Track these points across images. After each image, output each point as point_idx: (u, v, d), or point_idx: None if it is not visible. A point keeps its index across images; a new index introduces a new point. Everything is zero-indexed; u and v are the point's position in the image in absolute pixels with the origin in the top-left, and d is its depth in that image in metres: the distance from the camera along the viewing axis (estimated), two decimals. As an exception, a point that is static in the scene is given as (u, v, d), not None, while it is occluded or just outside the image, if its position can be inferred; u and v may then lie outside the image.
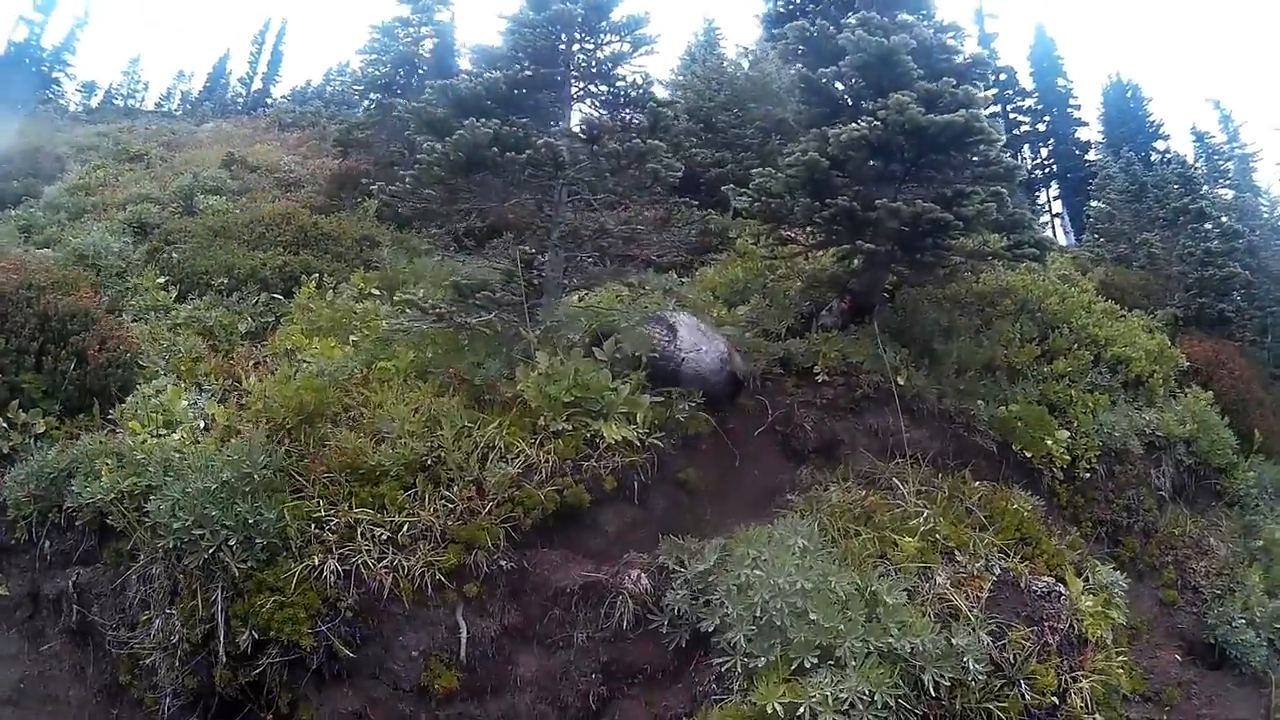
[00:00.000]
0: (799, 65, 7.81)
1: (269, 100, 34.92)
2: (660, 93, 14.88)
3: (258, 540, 5.23)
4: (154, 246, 11.57)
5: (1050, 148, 29.78)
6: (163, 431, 6.46)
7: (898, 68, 6.96)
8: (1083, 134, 29.66)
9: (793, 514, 6.02)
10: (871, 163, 7.22)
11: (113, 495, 5.68)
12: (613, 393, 6.19)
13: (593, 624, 5.46)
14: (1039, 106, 29.75)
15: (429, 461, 5.69)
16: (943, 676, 4.79)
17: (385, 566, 5.21)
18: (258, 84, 37.92)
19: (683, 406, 6.57)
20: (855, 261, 8.19)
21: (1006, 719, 4.95)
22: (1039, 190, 29.64)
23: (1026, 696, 5.09)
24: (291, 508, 5.39)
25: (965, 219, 6.88)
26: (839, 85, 7.58)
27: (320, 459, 5.72)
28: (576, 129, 7.45)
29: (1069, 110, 29.60)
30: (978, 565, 5.69)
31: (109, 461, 5.96)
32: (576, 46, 7.49)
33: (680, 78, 17.34)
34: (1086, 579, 6.21)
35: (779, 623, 4.83)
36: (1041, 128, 29.69)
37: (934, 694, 4.77)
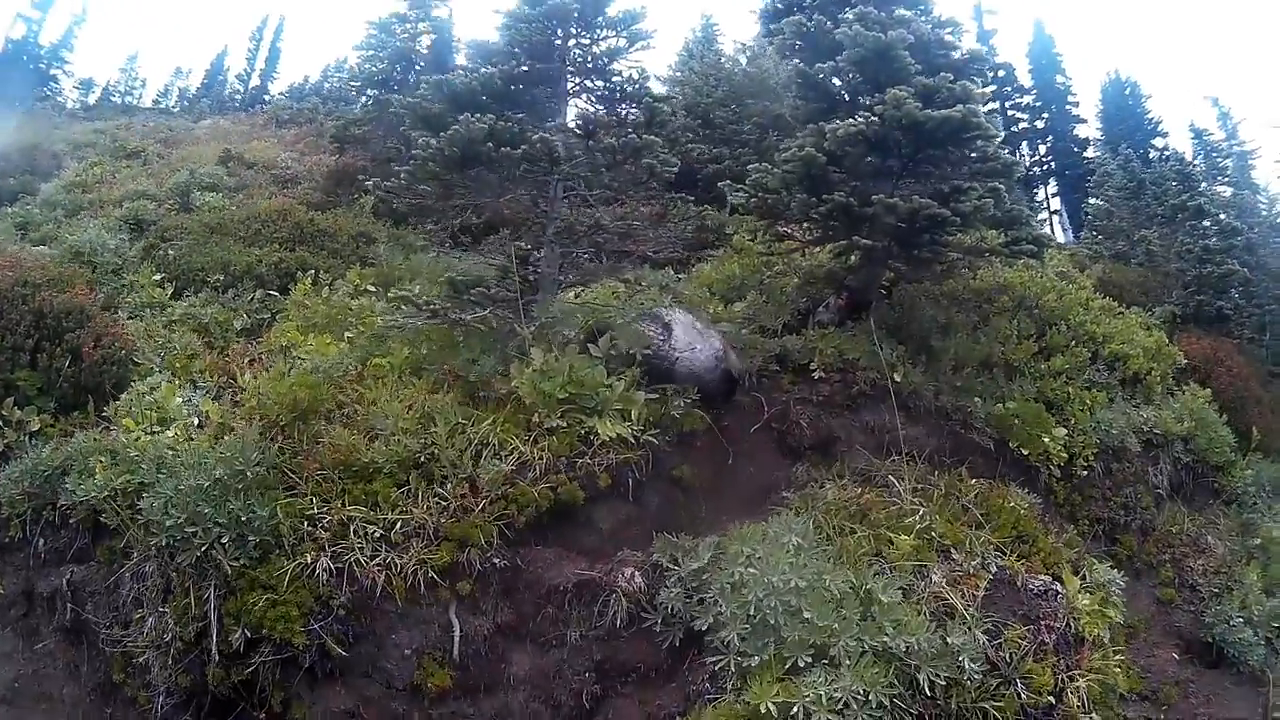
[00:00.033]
0: (796, 61, 7.77)
1: (267, 97, 34.86)
2: (658, 89, 14.93)
3: (250, 538, 5.20)
4: (150, 243, 11.55)
5: (1049, 145, 29.75)
6: (156, 429, 6.46)
7: (895, 63, 6.92)
8: (1081, 131, 29.67)
9: (788, 511, 5.98)
10: (869, 158, 7.19)
11: (106, 493, 5.67)
12: (607, 389, 6.16)
13: (586, 622, 5.43)
14: (1037, 103, 29.70)
15: (422, 458, 5.65)
16: (938, 676, 4.75)
17: (378, 564, 5.17)
18: (255, 81, 37.89)
19: (678, 403, 6.54)
20: (852, 258, 8.16)
21: (1002, 718, 4.91)
22: (1037, 187, 29.61)
23: (1023, 696, 5.05)
24: (284, 505, 5.36)
25: (962, 215, 6.85)
26: (836, 80, 7.55)
27: (313, 456, 5.68)
28: (572, 124, 7.41)
29: (1067, 107, 29.57)
30: (974, 563, 5.65)
31: (103, 459, 5.94)
32: (573, 41, 7.46)
33: (678, 74, 17.34)
34: (1084, 577, 6.16)
35: (773, 621, 4.80)
36: (1040, 125, 29.66)
37: (929, 693, 4.73)
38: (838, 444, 7.12)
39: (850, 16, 7.20)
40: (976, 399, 7.70)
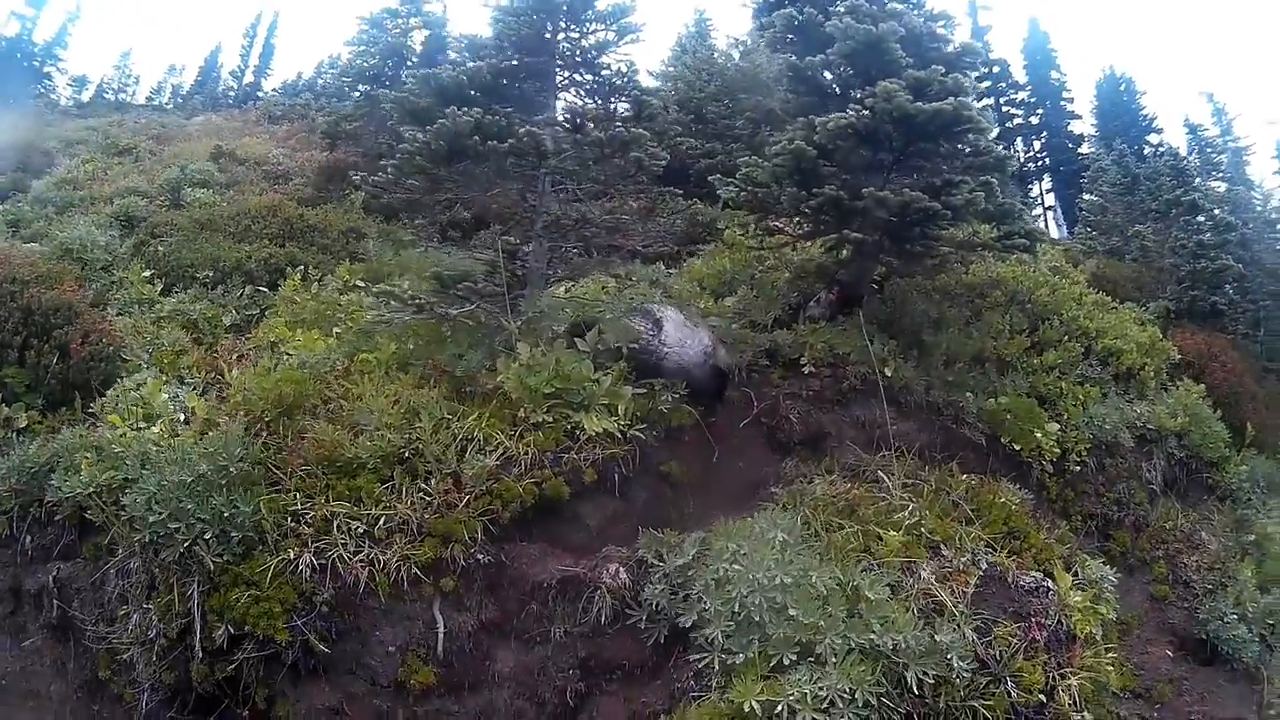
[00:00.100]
0: (787, 54, 7.71)
1: (260, 94, 34.74)
2: (650, 83, 14.88)
3: (233, 534, 5.18)
4: (140, 240, 11.53)
5: (1043, 141, 29.70)
6: (142, 425, 6.45)
7: (886, 55, 6.87)
8: (1076, 127, 29.55)
9: (775, 507, 5.93)
10: (860, 152, 7.14)
11: (91, 489, 5.65)
12: (594, 384, 6.12)
13: (571, 619, 5.40)
14: (1032, 99, 29.62)
15: (407, 454, 5.61)
16: (926, 674, 4.70)
17: (361, 560, 5.15)
18: (249, 77, 37.72)
19: (665, 398, 6.48)
20: (843, 252, 8.11)
21: (992, 717, 4.85)
22: (1032, 183, 29.55)
23: (1013, 694, 4.99)
24: (268, 501, 5.33)
25: (954, 208, 6.80)
26: (827, 74, 7.50)
27: (298, 452, 5.66)
28: (560, 118, 7.36)
29: (1062, 103, 29.50)
30: (964, 560, 5.57)
31: (88, 455, 5.92)
32: (561, 35, 7.40)
33: (671, 68, 17.24)
34: (1076, 574, 6.09)
35: (757, 618, 4.75)
36: (1035, 121, 29.58)
37: (917, 692, 4.67)
38: (828, 439, 7.06)
39: (841, 9, 7.13)
40: (968, 394, 7.65)
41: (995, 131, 25.05)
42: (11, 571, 6.37)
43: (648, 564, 5.54)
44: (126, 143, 19.12)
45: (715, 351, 7.12)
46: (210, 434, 5.81)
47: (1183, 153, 20.56)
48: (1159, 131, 27.13)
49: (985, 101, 26.77)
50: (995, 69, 27.93)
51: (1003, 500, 6.47)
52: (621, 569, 5.50)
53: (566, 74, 7.65)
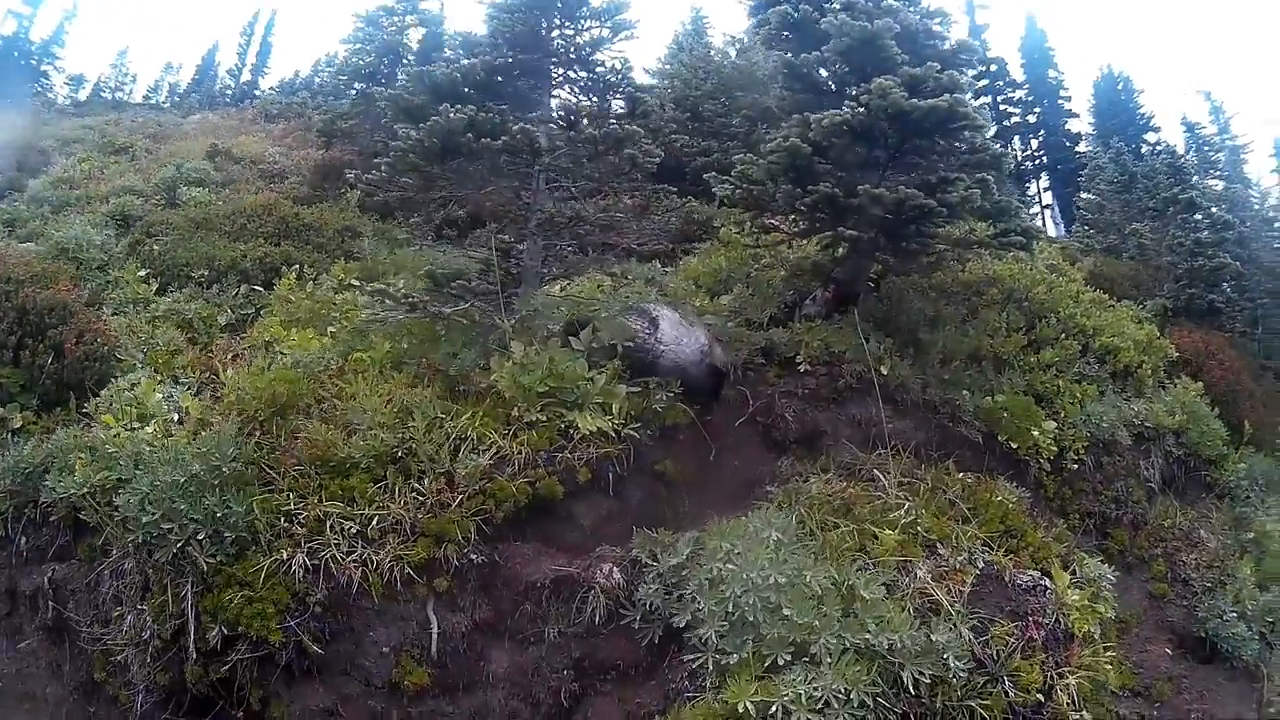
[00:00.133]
0: (783, 51, 7.67)
1: (257, 92, 34.69)
2: (646, 80, 14.86)
3: (226, 534, 5.15)
4: (136, 239, 11.49)
5: (1041, 139, 29.66)
6: (136, 425, 6.43)
7: (881, 52, 6.85)
8: (1073, 126, 29.51)
9: (770, 506, 5.90)
10: (855, 149, 7.11)
11: (85, 490, 5.62)
12: (588, 383, 6.09)
13: (565, 619, 5.36)
14: (1029, 98, 29.58)
15: (400, 453, 5.58)
16: (922, 674, 4.66)
17: (354, 560, 5.11)
18: (246, 76, 37.64)
19: (660, 397, 6.46)
20: (839, 250, 8.08)
21: (990, 717, 4.80)
22: (1029, 181, 29.54)
23: (1010, 694, 4.94)
24: (260, 501, 5.30)
25: (949, 206, 6.78)
26: (823, 71, 7.47)
27: (291, 451, 5.63)
28: (555, 115, 7.33)
29: (1060, 102, 29.46)
30: (960, 558, 5.53)
31: (82, 455, 5.90)
32: (556, 32, 7.38)
33: (667, 66, 17.23)
34: (1073, 572, 6.05)
35: (751, 618, 4.72)
36: (1032, 119, 29.54)
37: (913, 692, 4.63)
38: (823, 438, 7.03)
39: (837, 6, 7.11)
40: (965, 392, 7.62)
41: (993, 130, 25.06)
42: (7, 573, 6.34)
43: (642, 563, 5.51)
44: (123, 141, 19.06)
45: (711, 350, 7.10)
46: (203, 434, 5.78)
47: (1180, 151, 20.52)
48: (1156, 130, 27.12)
49: (983, 100, 26.75)
50: (992, 67, 27.90)
51: (1000, 499, 6.44)
52: (615, 569, 5.47)
53: (561, 71, 7.63)
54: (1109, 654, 5.80)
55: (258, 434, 5.83)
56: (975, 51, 7.81)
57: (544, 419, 5.89)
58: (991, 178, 7.23)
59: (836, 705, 4.36)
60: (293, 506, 5.31)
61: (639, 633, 5.37)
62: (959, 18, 28.69)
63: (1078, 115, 29.58)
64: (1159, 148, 20.23)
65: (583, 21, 7.32)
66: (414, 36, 17.01)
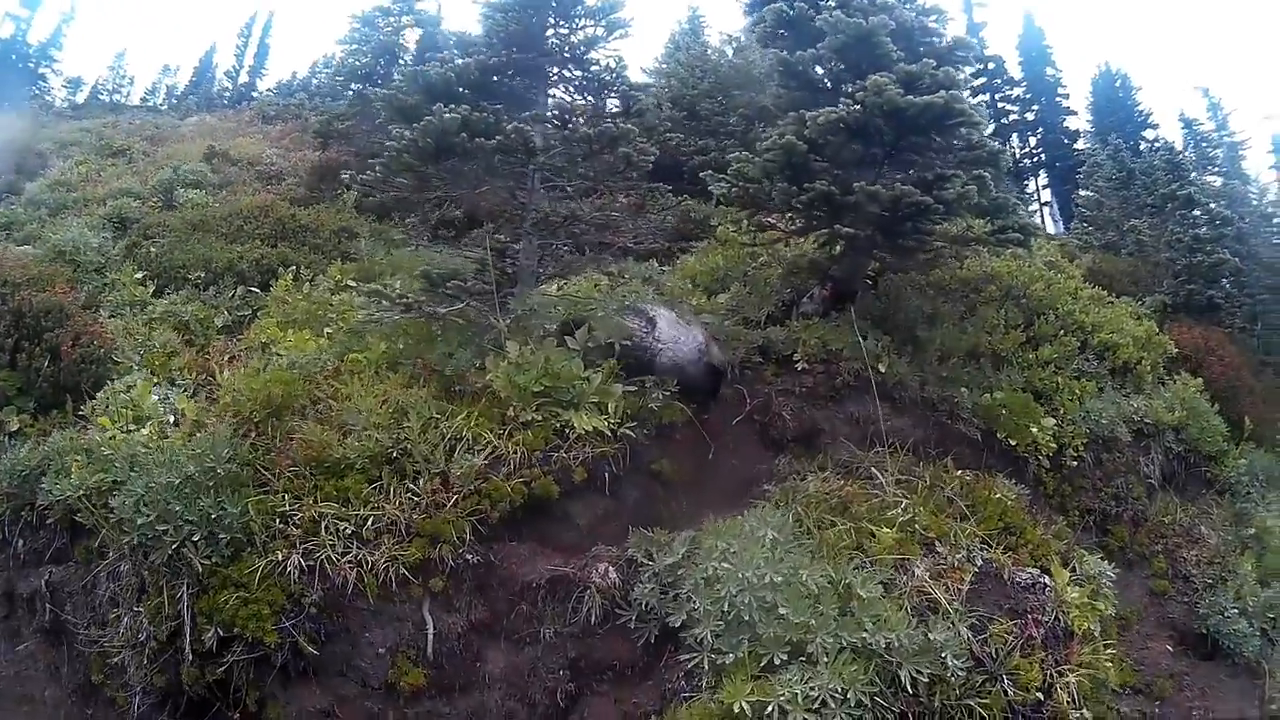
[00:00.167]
0: (778, 49, 7.65)
1: (255, 94, 34.62)
2: (643, 79, 14.83)
3: (221, 536, 5.14)
4: (133, 241, 11.47)
5: (1039, 137, 29.51)
6: (132, 427, 6.44)
7: (877, 49, 6.83)
8: (1071, 123, 29.32)
9: (768, 505, 5.88)
10: (851, 146, 7.10)
11: (81, 492, 5.64)
12: (584, 382, 6.07)
13: (560, 619, 5.36)
14: (1027, 95, 29.44)
15: (395, 454, 5.57)
16: (920, 673, 4.64)
17: (349, 561, 5.10)
18: (244, 77, 37.56)
19: (656, 395, 6.43)
20: (836, 247, 8.06)
21: (989, 716, 4.79)
22: (1028, 179, 29.44)
23: (1009, 692, 4.93)
24: (255, 502, 5.30)
25: (946, 202, 6.76)
26: (818, 69, 7.46)
27: (286, 452, 5.63)
28: (549, 114, 7.32)
29: (1058, 99, 29.33)
30: (958, 556, 5.51)
31: (78, 458, 5.92)
32: (550, 31, 7.36)
33: (664, 66, 17.22)
34: (1073, 569, 6.03)
35: (747, 618, 4.69)
36: (1030, 117, 29.40)
37: (911, 691, 4.61)
38: (821, 436, 7.02)
39: (832, 3, 7.11)
40: (963, 389, 7.60)
41: (991, 128, 24.99)
42: (4, 576, 6.37)
43: (637, 563, 5.50)
44: (120, 144, 19.03)
45: (709, 348, 7.08)
46: (198, 435, 5.79)
47: (1178, 147, 20.47)
48: (1155, 127, 27.01)
49: (981, 98, 26.70)
50: (990, 65, 27.84)
51: (998, 496, 6.42)
52: (611, 568, 5.46)
53: (556, 70, 7.62)
54: (1109, 651, 5.78)
55: (253, 435, 5.83)
56: (971, 48, 7.78)
57: (539, 418, 5.87)
58: (988, 174, 7.21)
59: (833, 705, 4.34)
60: (288, 507, 5.31)
61: (635, 633, 5.36)
62: (956, 16, 28.68)
63: (1076, 113, 29.49)
64: (1157, 144, 20.20)
65: (577, 20, 7.30)
66: (410, 37, 17.03)
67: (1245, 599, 7.97)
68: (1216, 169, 21.69)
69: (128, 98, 35.62)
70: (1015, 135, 29.03)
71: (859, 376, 7.11)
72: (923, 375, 7.46)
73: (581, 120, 6.82)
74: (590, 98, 7.59)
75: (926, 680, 4.67)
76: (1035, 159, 29.56)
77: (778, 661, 4.57)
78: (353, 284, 9.36)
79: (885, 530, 5.52)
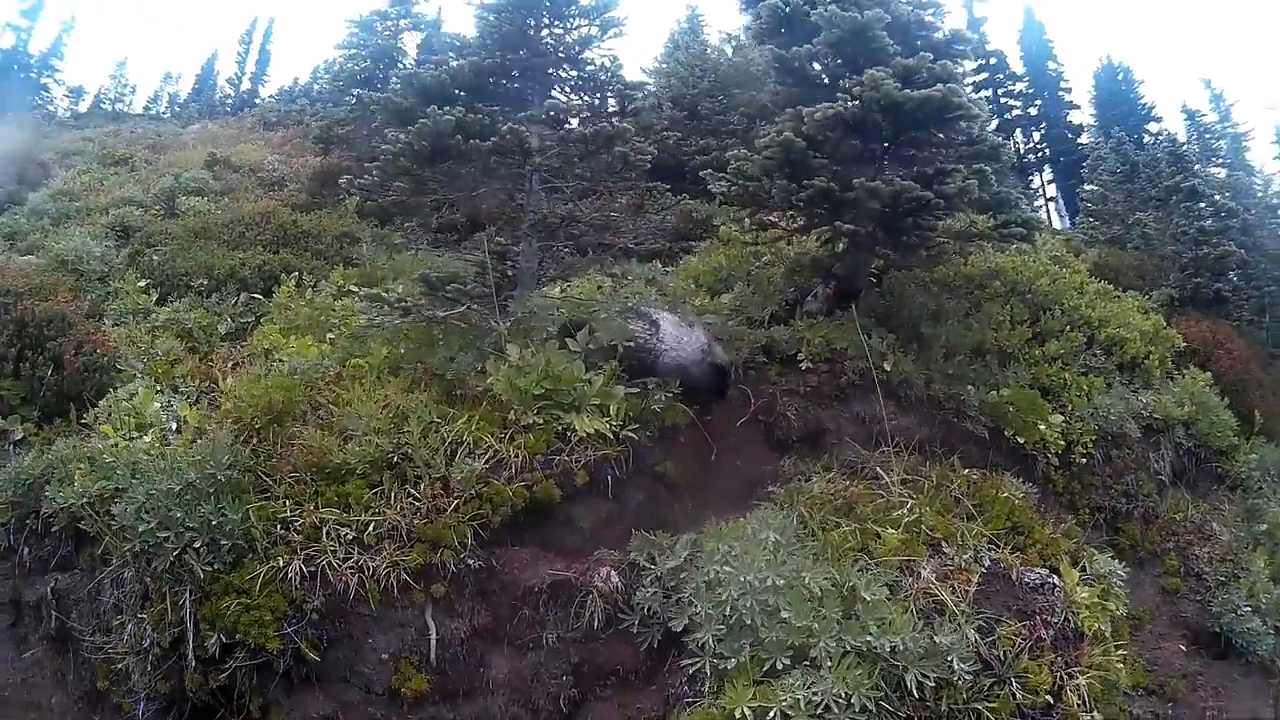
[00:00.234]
0: (774, 45, 7.60)
1: (257, 100, 34.72)
2: (643, 79, 14.79)
3: (223, 542, 5.13)
4: (135, 249, 11.54)
5: (1042, 132, 29.44)
6: (134, 434, 6.46)
7: (873, 44, 6.78)
8: (1075, 117, 29.25)
9: (772, 506, 5.82)
10: (851, 142, 7.04)
11: (84, 500, 5.65)
12: (586, 384, 6.03)
13: (563, 624, 5.32)
14: (1030, 90, 29.36)
15: (395, 459, 5.55)
16: (926, 676, 4.57)
17: (350, 567, 5.09)
18: (246, 84, 37.71)
19: (659, 397, 6.39)
20: (838, 245, 8.01)
21: (997, 720, 4.75)
22: (1033, 174, 29.36)
23: (1018, 695, 4.86)
24: (257, 508, 5.29)
25: (946, 197, 6.69)
26: (815, 65, 7.41)
27: (287, 458, 5.62)
28: (544, 115, 7.28)
29: (1060, 94, 29.24)
30: (965, 557, 5.43)
31: (81, 466, 5.93)
32: (545, 31, 7.33)
33: (664, 65, 17.18)
34: (1083, 569, 5.94)
35: (749, 621, 4.64)
36: (1033, 112, 29.33)
37: (917, 695, 4.55)
38: (826, 436, 6.96)
39: (827, -2, 7.04)
40: (969, 387, 7.53)
41: (994, 123, 24.90)
42: (11, 583, 6.40)
43: (640, 567, 5.46)
44: (122, 153, 19.17)
45: (711, 348, 7.04)
46: (199, 442, 5.78)
47: (1181, 139, 20.36)
48: (1158, 120, 26.94)
49: (983, 93, 26.60)
50: (992, 60, 27.80)
51: (1006, 495, 6.32)
52: (613, 572, 5.41)
53: (552, 71, 7.58)
54: (1120, 652, 5.69)
55: (254, 441, 5.81)
56: (970, 41, 7.71)
57: (541, 422, 5.83)
58: (990, 169, 7.14)
59: (837, 710, 4.28)
60: (289, 513, 5.29)
61: (638, 637, 5.31)
62: (956, 10, 28.62)
63: (1079, 107, 29.42)
64: (1160, 136, 20.06)
65: (571, 20, 7.28)
66: (409, 41, 17.07)
67: (1258, 596, 7.88)
68: (1220, 160, 21.58)
69: (130, 106, 35.82)
70: (1019, 131, 28.96)
71: (864, 375, 7.03)
72: (928, 373, 7.40)
73: (577, 120, 6.78)
74: (586, 97, 7.55)
75: (933, 684, 4.60)
76: (1039, 154, 29.48)
77: (780, 666, 4.52)
78: (355, 289, 9.37)
79: (890, 531, 5.45)
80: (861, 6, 6.75)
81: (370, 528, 5.22)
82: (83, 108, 33.89)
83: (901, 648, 4.58)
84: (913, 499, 5.92)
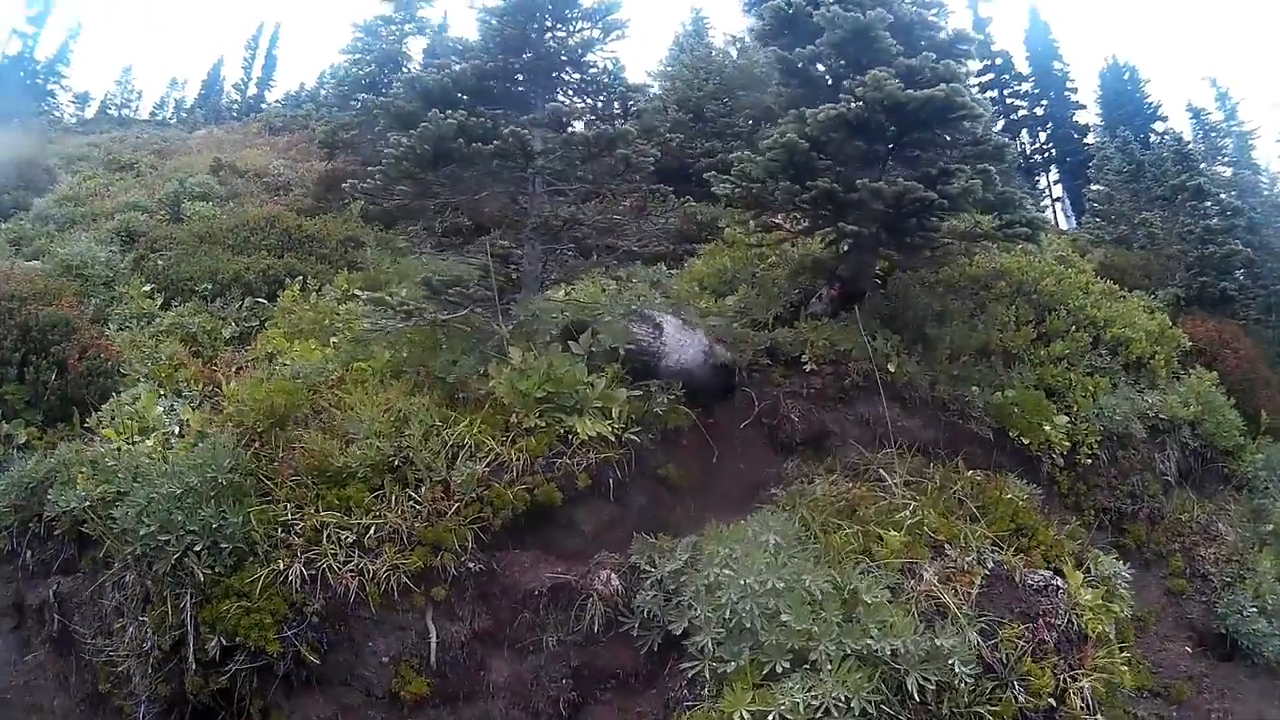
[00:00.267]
0: (777, 47, 7.59)
1: (263, 105, 34.86)
2: (647, 82, 14.79)
3: (223, 545, 5.14)
4: (140, 254, 11.55)
5: (1048, 132, 29.41)
6: (137, 438, 6.47)
7: (876, 44, 6.76)
8: (1081, 117, 29.26)
9: (774, 509, 5.80)
10: (854, 143, 7.02)
11: (87, 503, 5.66)
12: (588, 387, 6.02)
13: (564, 627, 5.30)
14: (1036, 91, 29.35)
15: (397, 462, 5.55)
16: (928, 680, 4.53)
17: (351, 570, 5.09)
18: (252, 89, 37.90)
19: (661, 400, 6.38)
20: (842, 246, 7.99)
21: (999, 723, 4.68)
22: (1039, 175, 29.31)
23: (1021, 698, 4.81)
24: (257, 512, 5.29)
25: (950, 198, 6.65)
26: (819, 66, 7.39)
27: (288, 462, 5.63)
28: (547, 118, 7.28)
29: (1066, 94, 29.20)
30: (968, 559, 5.38)
31: (84, 469, 5.95)
32: (548, 34, 7.32)
33: (669, 68, 17.19)
34: (1087, 570, 5.89)
35: (749, 625, 4.61)
36: (1039, 112, 29.32)
37: (918, 699, 4.50)
38: (830, 438, 6.94)
39: (829, -1, 7.03)
40: (974, 388, 7.50)
41: (1000, 124, 24.85)
42: (13, 587, 6.40)
43: (640, 570, 5.44)
44: (128, 158, 19.20)
45: (715, 351, 7.02)
46: (200, 446, 5.77)
47: (1187, 138, 20.22)
48: (1164, 119, 26.84)
49: (989, 94, 26.56)
50: (998, 60, 27.77)
51: (1009, 496, 6.27)
52: (614, 575, 5.39)
53: (553, 73, 7.57)
54: (1125, 654, 5.67)
55: (255, 445, 5.82)
56: (973, 41, 7.67)
57: (542, 424, 5.82)
58: (994, 169, 7.10)
59: (836, 714, 4.25)
60: (289, 517, 5.30)
61: (638, 640, 5.29)
62: (961, 11, 28.55)
63: (1085, 107, 29.39)
64: (1166, 136, 19.96)
65: (573, 23, 7.26)
66: (414, 45, 17.09)
67: (1265, 597, 7.82)
68: (1226, 159, 21.47)
69: (136, 112, 36.03)
70: (1025, 131, 28.92)
71: (868, 377, 7.00)
72: (933, 374, 7.37)
73: (580, 123, 6.77)
74: (589, 100, 7.54)
75: (934, 687, 4.56)
76: (1046, 154, 29.43)
77: (780, 669, 4.49)
78: (359, 293, 9.37)
79: (893, 533, 5.42)
80: (864, 7, 6.73)
81: (371, 531, 5.22)
82: (88, 113, 34.11)
83: (903, 651, 4.54)
84: (916, 501, 5.89)
